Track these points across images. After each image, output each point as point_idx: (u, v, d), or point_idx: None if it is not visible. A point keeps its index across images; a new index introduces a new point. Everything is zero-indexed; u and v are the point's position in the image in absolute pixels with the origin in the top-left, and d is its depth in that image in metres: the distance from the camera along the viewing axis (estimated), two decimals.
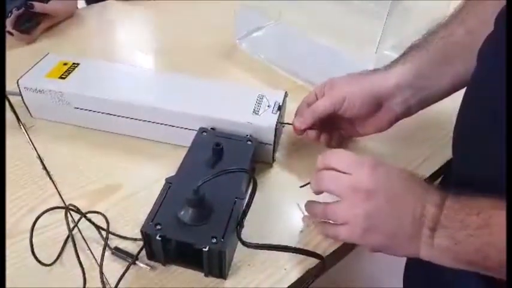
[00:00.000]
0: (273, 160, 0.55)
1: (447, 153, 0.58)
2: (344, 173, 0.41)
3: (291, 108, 0.57)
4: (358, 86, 0.50)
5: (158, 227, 0.41)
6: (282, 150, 0.58)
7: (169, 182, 0.45)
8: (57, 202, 0.49)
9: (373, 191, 0.39)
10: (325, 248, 0.47)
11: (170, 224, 0.41)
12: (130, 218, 0.48)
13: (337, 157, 0.43)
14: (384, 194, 0.39)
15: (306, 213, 0.49)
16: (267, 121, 0.52)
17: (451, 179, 0.55)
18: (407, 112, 0.51)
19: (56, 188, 0.51)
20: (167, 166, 0.51)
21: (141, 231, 0.41)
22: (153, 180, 0.51)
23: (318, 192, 0.45)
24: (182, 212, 0.41)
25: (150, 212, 0.42)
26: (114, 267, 0.44)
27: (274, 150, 0.54)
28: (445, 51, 0.48)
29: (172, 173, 0.47)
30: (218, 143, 0.47)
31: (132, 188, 0.52)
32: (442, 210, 0.37)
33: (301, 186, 0.49)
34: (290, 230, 0.49)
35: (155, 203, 0.43)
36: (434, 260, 0.38)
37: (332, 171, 0.42)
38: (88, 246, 0.45)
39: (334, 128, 0.55)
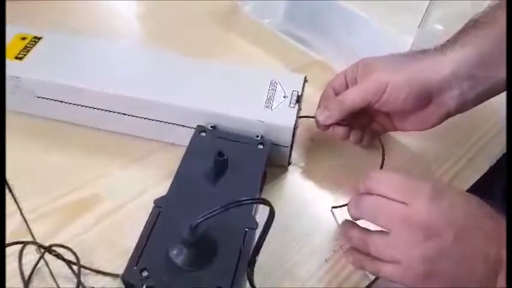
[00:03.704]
0: (289, 163, 0.45)
1: (495, 151, 0.49)
2: (395, 201, 0.32)
3: (308, 92, 0.45)
4: (403, 73, 0.39)
5: (144, 273, 0.31)
6: (299, 149, 0.47)
7: (158, 206, 0.35)
8: (17, 222, 0.39)
9: (435, 228, 0.31)
10: (357, 282, 0.38)
11: (160, 269, 0.31)
12: (111, 244, 0.38)
13: (388, 182, 0.33)
14: (449, 233, 0.31)
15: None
16: (283, 118, 0.41)
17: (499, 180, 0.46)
18: (463, 108, 0.41)
19: (18, 205, 0.40)
20: (156, 169, 0.43)
21: (122, 279, 0.31)
22: (139, 190, 0.42)
23: (357, 219, 0.36)
24: (175, 252, 0.31)
25: (134, 250, 0.32)
26: None
27: (291, 152, 0.43)
28: None
29: (162, 179, 0.38)
30: (221, 153, 0.36)
31: (114, 201, 0.41)
32: None
33: (333, 207, 0.41)
34: (312, 255, 0.39)
35: (140, 237, 0.33)
36: None
37: (379, 197, 0.33)
38: (57, 286, 0.36)
39: (366, 122, 0.45)
